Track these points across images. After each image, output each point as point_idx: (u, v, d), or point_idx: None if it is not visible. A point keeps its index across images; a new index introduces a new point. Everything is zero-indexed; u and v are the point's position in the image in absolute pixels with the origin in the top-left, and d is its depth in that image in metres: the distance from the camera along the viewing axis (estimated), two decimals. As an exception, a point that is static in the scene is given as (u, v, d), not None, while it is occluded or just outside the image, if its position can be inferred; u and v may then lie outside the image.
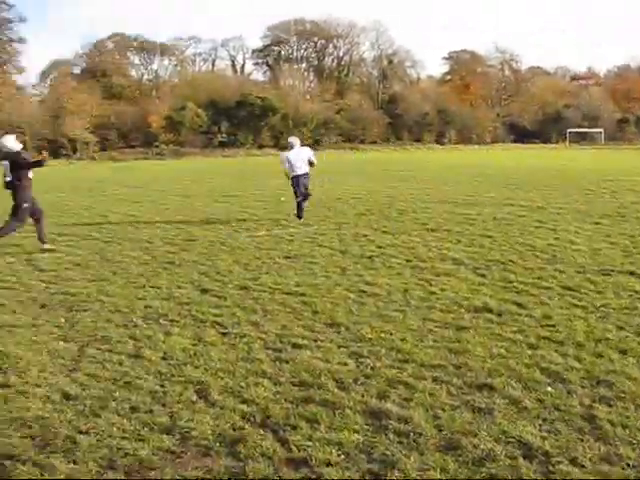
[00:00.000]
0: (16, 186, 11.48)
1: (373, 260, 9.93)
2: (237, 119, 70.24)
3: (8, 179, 11.47)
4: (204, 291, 8.28)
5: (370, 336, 6.31)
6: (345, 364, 5.62)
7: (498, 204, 16.51)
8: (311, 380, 5.28)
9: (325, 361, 5.69)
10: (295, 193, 14.83)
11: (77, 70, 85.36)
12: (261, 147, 65.00)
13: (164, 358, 5.88)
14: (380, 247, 10.99)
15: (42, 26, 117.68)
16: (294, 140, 15.45)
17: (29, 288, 8.79)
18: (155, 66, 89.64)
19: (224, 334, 6.51)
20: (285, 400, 4.95)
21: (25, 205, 11.52)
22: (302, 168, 14.73)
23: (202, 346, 6.17)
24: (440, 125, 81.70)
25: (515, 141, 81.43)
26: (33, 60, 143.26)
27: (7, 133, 12.99)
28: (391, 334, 6.35)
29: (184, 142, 68.49)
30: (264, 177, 27.25)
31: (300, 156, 14.89)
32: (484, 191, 19.79)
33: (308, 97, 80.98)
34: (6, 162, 11.46)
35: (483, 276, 8.75)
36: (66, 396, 5.14)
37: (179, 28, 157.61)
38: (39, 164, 11.85)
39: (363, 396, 4.98)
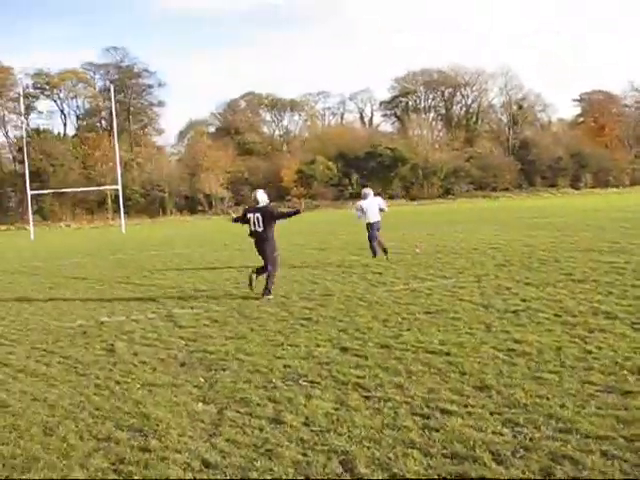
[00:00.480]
0: (265, 237, 12.22)
1: (519, 315, 9.36)
2: (367, 170, 70.91)
3: (258, 229, 12.17)
4: (344, 350, 7.96)
5: (525, 401, 5.79)
6: (500, 434, 5.14)
7: (648, 251, 15.50)
8: (465, 452, 4.85)
9: (478, 430, 5.23)
10: (369, 238, 16.91)
11: (212, 129, 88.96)
12: (391, 198, 64.99)
13: (306, 424, 5.59)
14: (525, 300, 10.39)
15: (179, 89, 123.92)
16: (368, 191, 17.72)
17: (169, 345, 8.80)
18: (286, 122, 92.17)
19: (367, 397, 6.16)
20: (438, 475, 4.53)
21: (276, 253, 12.42)
22: (375, 216, 16.89)
23: (345, 411, 5.84)
24: (574, 169, 79.41)
25: (656, 182, 78.04)
26: (171, 121, 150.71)
27: (258, 187, 14.83)
28: (548, 399, 5.81)
29: (315, 195, 69.59)
30: (401, 228, 26.88)
31: (373, 205, 17.08)
32: (630, 237, 18.70)
33: (437, 146, 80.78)
34: (258, 214, 12.17)
35: (644, 332, 8.02)
36: (206, 464, 4.94)
37: (308, 84, 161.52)
38: (297, 213, 12.71)
39: (524, 472, 4.48)
